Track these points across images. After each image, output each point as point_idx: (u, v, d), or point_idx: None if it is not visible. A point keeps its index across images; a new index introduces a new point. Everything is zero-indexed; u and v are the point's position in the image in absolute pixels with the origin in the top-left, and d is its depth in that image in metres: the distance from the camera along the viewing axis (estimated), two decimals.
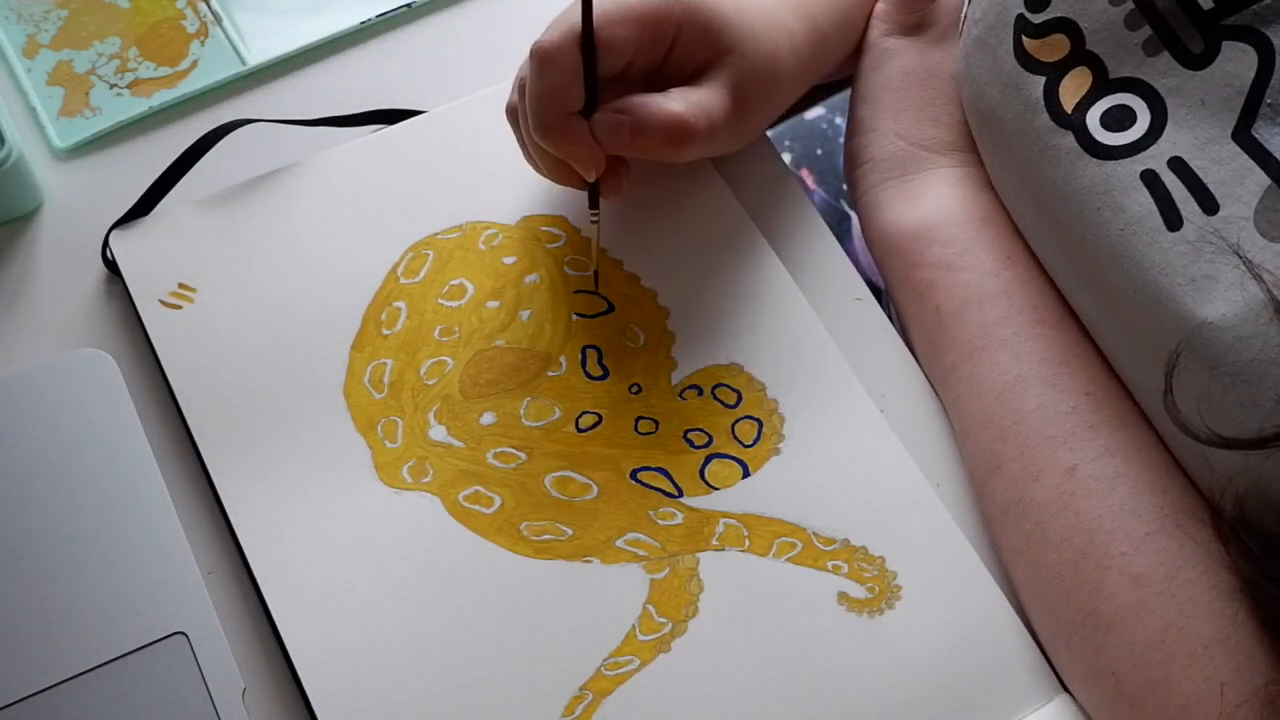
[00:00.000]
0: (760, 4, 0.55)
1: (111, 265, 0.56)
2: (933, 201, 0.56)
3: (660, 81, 0.53)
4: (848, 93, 0.61)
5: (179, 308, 0.54)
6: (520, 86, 0.52)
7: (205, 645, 0.47)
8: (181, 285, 0.55)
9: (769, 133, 0.62)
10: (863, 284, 0.58)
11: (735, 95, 0.53)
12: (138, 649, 0.47)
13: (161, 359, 0.53)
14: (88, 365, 0.53)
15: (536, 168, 0.55)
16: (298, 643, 0.48)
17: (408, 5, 0.64)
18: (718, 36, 0.52)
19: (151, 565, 0.49)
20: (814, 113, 0.81)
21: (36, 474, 0.50)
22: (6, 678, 0.46)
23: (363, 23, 0.63)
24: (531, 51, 0.49)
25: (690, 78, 0.53)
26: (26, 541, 0.49)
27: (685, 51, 0.52)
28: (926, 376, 0.56)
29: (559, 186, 0.56)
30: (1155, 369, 0.46)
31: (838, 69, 0.61)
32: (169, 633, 0.48)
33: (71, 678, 0.47)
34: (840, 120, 0.77)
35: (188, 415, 0.52)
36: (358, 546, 0.50)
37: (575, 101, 0.50)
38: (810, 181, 0.75)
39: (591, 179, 0.52)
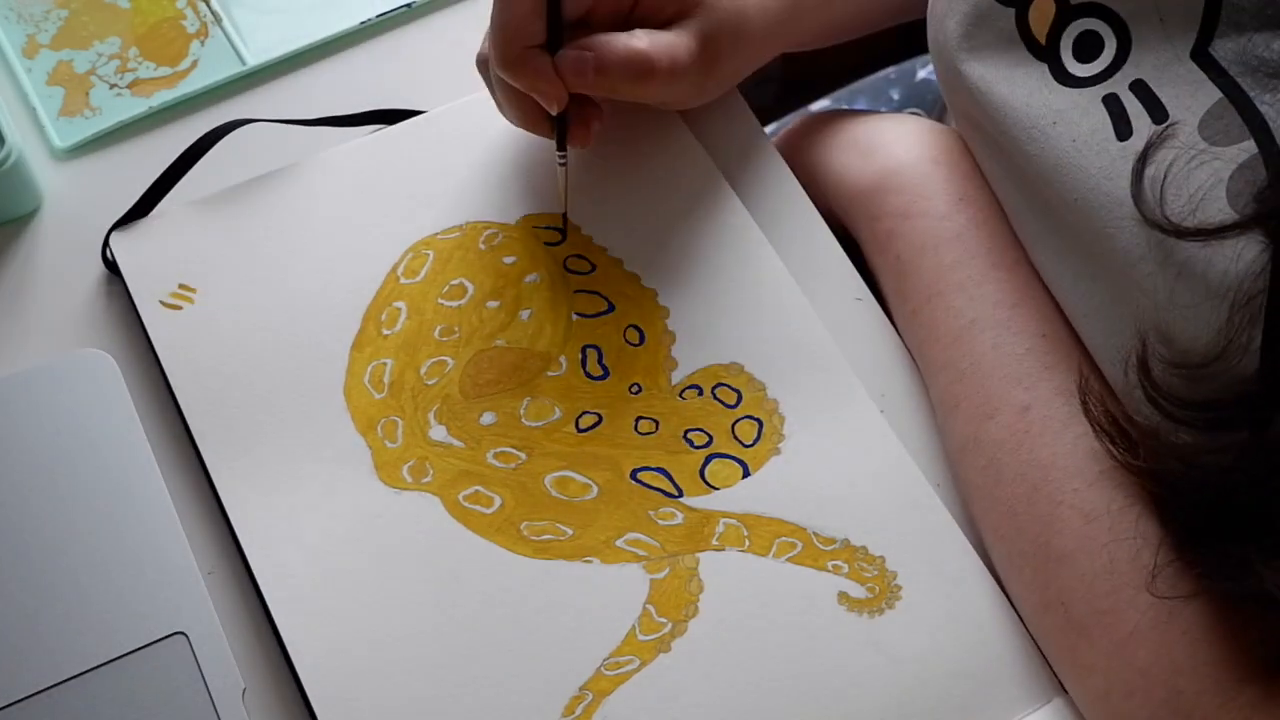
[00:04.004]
0: None
1: (111, 265, 0.56)
2: (887, 149, 0.56)
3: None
4: (851, 86, 0.61)
5: (179, 308, 0.54)
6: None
7: (205, 645, 0.47)
8: (182, 286, 0.55)
9: (768, 129, 0.61)
10: (862, 284, 0.58)
11: (701, 43, 0.53)
12: (138, 649, 0.47)
13: (162, 360, 0.53)
14: (88, 365, 0.53)
15: (504, 112, 0.55)
16: (298, 643, 0.48)
17: (408, 5, 0.64)
18: None
19: (151, 565, 0.49)
20: (818, 104, 0.81)
21: (36, 474, 0.50)
22: (6, 678, 0.46)
23: (363, 23, 0.63)
24: None
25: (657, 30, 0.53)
26: (26, 541, 0.49)
27: (653, 2, 0.53)
28: (894, 325, 0.56)
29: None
30: (1093, 285, 0.47)
31: (818, 37, 0.61)
32: (169, 633, 0.48)
33: (71, 678, 0.47)
34: None
35: (188, 416, 0.52)
36: (357, 546, 0.50)
37: (537, 35, 0.50)
38: None
39: (554, 112, 0.52)
